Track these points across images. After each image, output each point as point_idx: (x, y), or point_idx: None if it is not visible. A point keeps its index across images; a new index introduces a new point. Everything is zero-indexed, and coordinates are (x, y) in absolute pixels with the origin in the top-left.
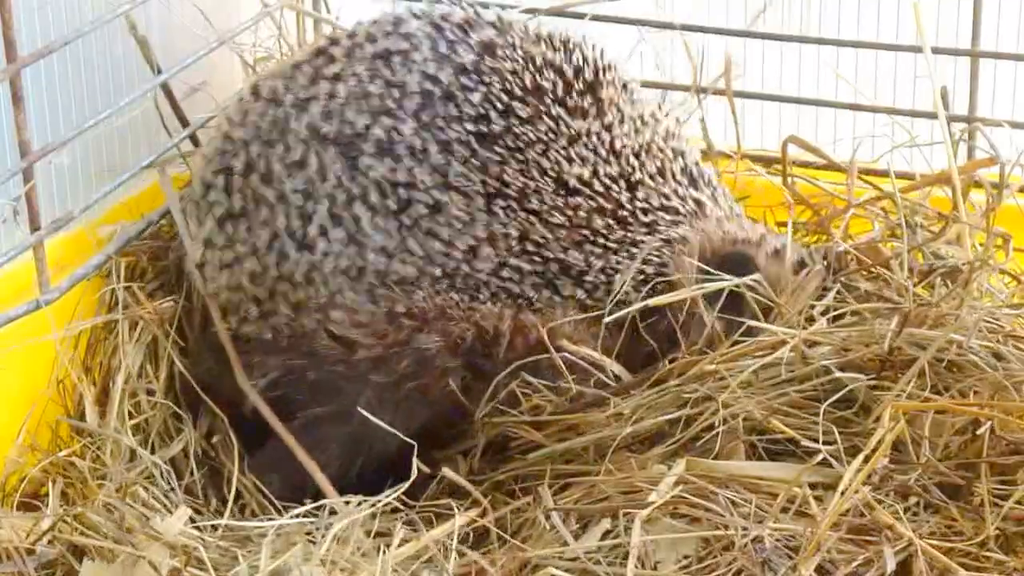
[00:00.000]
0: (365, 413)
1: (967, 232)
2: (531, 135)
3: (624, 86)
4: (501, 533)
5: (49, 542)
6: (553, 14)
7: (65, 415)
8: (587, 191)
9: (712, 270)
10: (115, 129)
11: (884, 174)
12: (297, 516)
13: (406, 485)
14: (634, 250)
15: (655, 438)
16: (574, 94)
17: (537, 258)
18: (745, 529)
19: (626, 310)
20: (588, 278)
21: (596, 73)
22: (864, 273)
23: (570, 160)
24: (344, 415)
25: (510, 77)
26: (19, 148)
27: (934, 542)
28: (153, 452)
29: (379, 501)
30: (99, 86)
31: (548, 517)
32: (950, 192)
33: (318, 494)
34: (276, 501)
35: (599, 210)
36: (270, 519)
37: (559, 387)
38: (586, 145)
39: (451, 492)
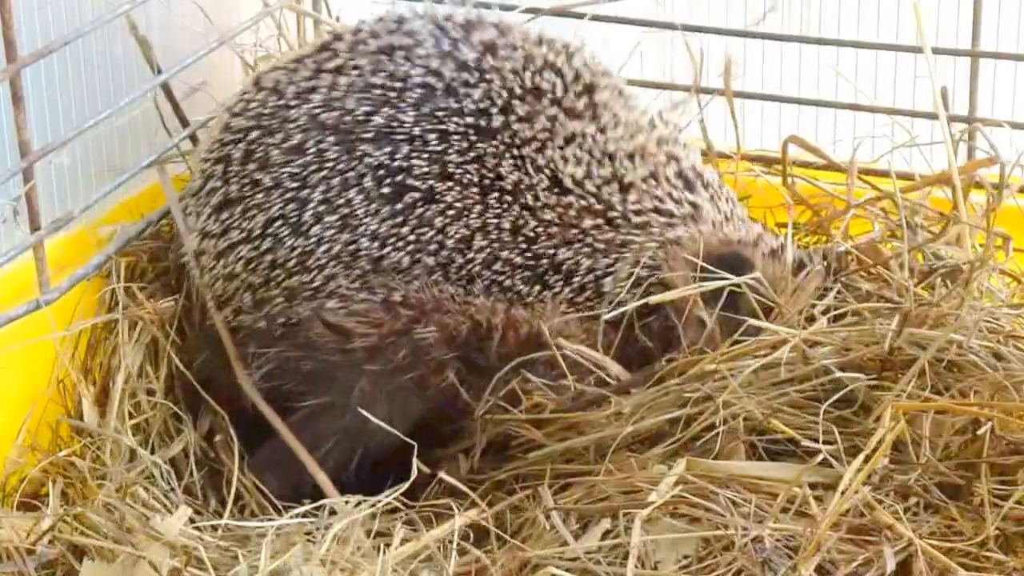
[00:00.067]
0: (362, 411)
1: (967, 232)
2: (528, 132)
3: (620, 92)
4: (501, 533)
5: (49, 542)
6: (554, 14)
7: (65, 415)
8: (579, 191)
9: (709, 270)
10: (115, 129)
11: (884, 174)
12: (297, 516)
13: (406, 485)
14: (624, 251)
15: (655, 438)
16: (571, 96)
17: (528, 253)
18: (745, 529)
19: (623, 308)
20: (576, 279)
21: (593, 77)
22: (864, 273)
23: (565, 159)
24: (341, 406)
25: (510, 76)
26: (19, 148)
27: (934, 542)
28: (153, 452)
29: (379, 501)
30: (99, 86)
31: (548, 517)
32: (950, 192)
33: (317, 493)
34: (276, 501)
35: (590, 210)
36: (270, 519)
37: (558, 385)
38: (580, 146)
39: (451, 492)
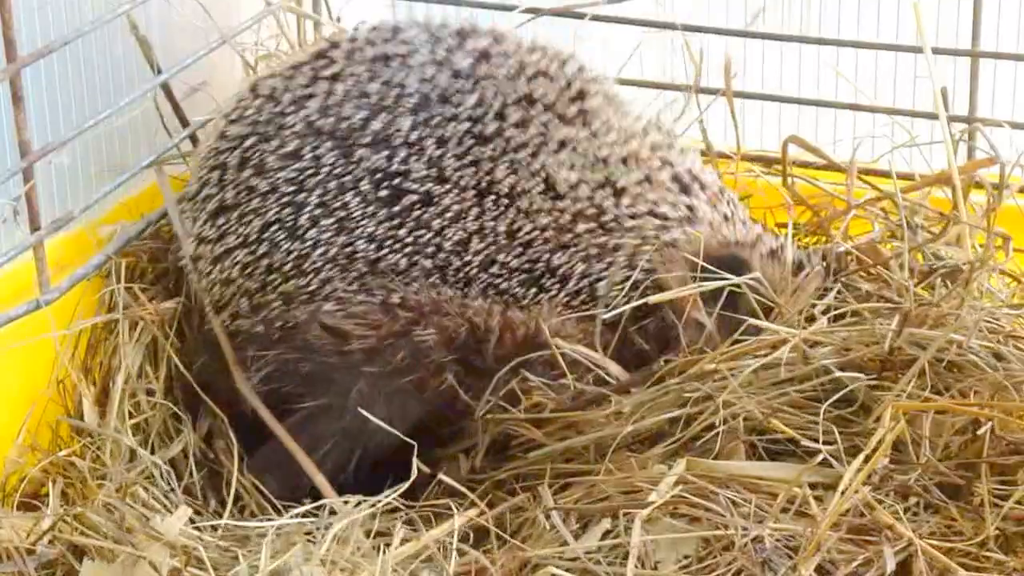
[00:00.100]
0: (362, 411)
1: (967, 232)
2: (521, 138)
3: (612, 98)
4: (501, 533)
5: (49, 542)
6: (554, 14)
7: (65, 415)
8: (572, 195)
9: (705, 271)
10: (115, 129)
11: (884, 174)
12: (297, 516)
13: (406, 485)
14: (618, 255)
15: (655, 437)
16: (563, 102)
17: (524, 257)
18: (745, 529)
19: (620, 308)
20: (571, 283)
21: (585, 84)
22: (863, 274)
23: (558, 165)
24: (340, 408)
25: (504, 83)
26: (19, 148)
27: (934, 542)
28: (153, 452)
29: (379, 501)
30: (99, 86)
31: (548, 517)
32: (950, 193)
33: (317, 494)
34: (275, 501)
35: (583, 215)
36: (269, 519)
37: (558, 385)
38: (573, 151)
39: (452, 492)
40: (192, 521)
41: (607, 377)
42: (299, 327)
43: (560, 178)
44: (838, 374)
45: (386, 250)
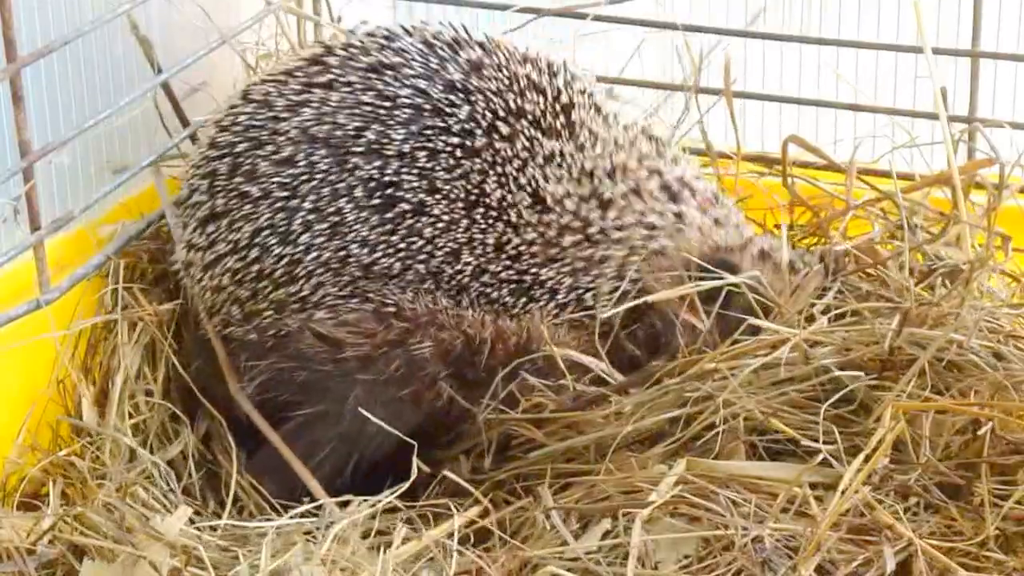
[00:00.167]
0: (363, 412)
1: (967, 232)
2: (509, 151)
3: (599, 109)
4: (501, 534)
5: (49, 542)
6: (555, 14)
7: (65, 415)
8: (559, 209)
9: (697, 276)
10: (115, 129)
11: (884, 175)
12: (297, 516)
13: (406, 485)
14: (604, 267)
15: (655, 437)
16: (549, 116)
17: (513, 269)
18: (745, 529)
19: (608, 312)
20: (560, 296)
21: (572, 96)
22: (863, 274)
23: (545, 178)
24: (335, 415)
25: (494, 97)
26: (19, 148)
27: (934, 542)
28: (152, 453)
29: (379, 501)
30: (99, 85)
31: (548, 517)
32: (948, 193)
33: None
34: (274, 501)
35: (570, 228)
36: (269, 519)
37: (556, 386)
38: (560, 165)
39: (452, 492)
40: (192, 521)
41: (607, 377)
42: (292, 336)
43: (547, 192)
44: (838, 373)
45: (379, 254)
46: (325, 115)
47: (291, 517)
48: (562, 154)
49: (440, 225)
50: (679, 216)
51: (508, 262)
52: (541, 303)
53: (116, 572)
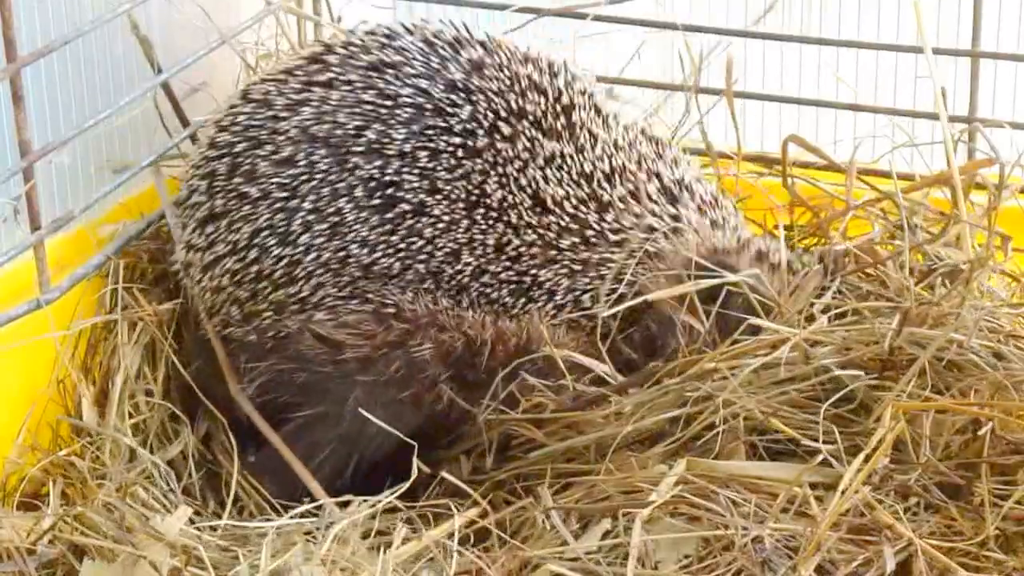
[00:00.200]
0: (363, 413)
1: (967, 232)
2: (510, 152)
3: (599, 111)
4: (501, 534)
5: (50, 542)
6: (556, 14)
7: (65, 415)
8: (559, 211)
9: (698, 276)
10: (115, 129)
11: (884, 175)
12: (297, 516)
13: (406, 486)
14: (601, 270)
15: (656, 437)
16: (549, 117)
17: (512, 270)
18: (745, 529)
19: (605, 312)
20: (558, 297)
21: (573, 96)
22: (862, 275)
23: (546, 179)
24: (336, 416)
25: (495, 98)
26: (19, 147)
27: (934, 542)
28: (152, 453)
29: (379, 501)
30: (99, 85)
31: (548, 517)
32: (948, 193)
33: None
34: (274, 501)
35: (568, 230)
36: (269, 520)
37: (556, 386)
38: (559, 167)
39: (452, 492)
40: (192, 521)
41: (607, 377)
42: (292, 337)
43: (547, 193)
44: (838, 372)
45: (379, 254)
46: (325, 114)
47: (291, 517)
48: (562, 156)
49: (440, 225)
50: (677, 219)
51: (508, 263)
52: (539, 304)
53: (116, 572)
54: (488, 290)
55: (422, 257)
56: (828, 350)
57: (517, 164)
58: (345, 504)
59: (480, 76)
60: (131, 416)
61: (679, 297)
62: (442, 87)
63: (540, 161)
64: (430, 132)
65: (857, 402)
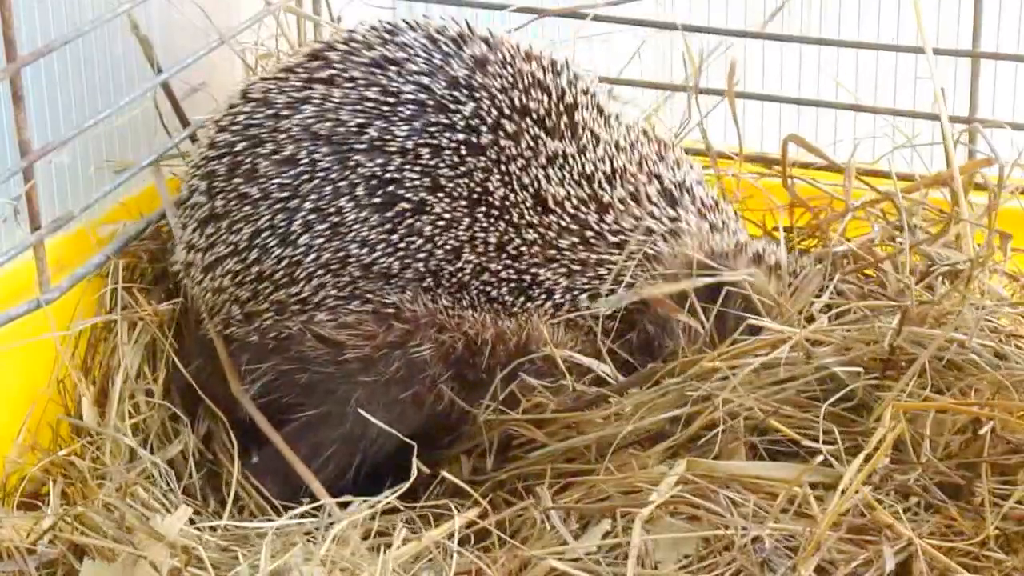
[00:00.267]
0: (363, 414)
1: (968, 231)
2: (514, 150)
3: (602, 111)
4: (500, 534)
5: (50, 541)
6: (556, 14)
7: (65, 415)
8: (559, 211)
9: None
10: (115, 129)
11: (884, 175)
12: (297, 516)
13: (406, 486)
14: (600, 270)
15: (656, 437)
16: (553, 115)
17: (512, 270)
18: (745, 529)
19: (612, 308)
20: (556, 296)
21: (576, 96)
22: (861, 275)
23: (548, 179)
24: (338, 416)
25: (499, 94)
26: (19, 147)
27: (934, 542)
28: (152, 453)
29: (379, 501)
30: (99, 85)
31: (548, 517)
32: (947, 194)
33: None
34: (275, 501)
35: (568, 230)
36: (269, 520)
37: (556, 386)
38: (561, 166)
39: (452, 492)
40: (192, 521)
41: (607, 377)
42: (293, 338)
43: (549, 193)
44: (838, 370)
45: (378, 253)
46: (327, 111)
47: (291, 517)
48: (564, 155)
49: (441, 223)
50: (676, 221)
51: (508, 261)
52: (538, 303)
53: (116, 572)
54: (488, 288)
55: (421, 255)
56: (828, 350)
57: (520, 162)
58: (345, 504)
59: (483, 73)
60: (131, 416)
61: (677, 299)
62: (445, 84)
63: (542, 160)
64: (433, 129)
65: (857, 402)
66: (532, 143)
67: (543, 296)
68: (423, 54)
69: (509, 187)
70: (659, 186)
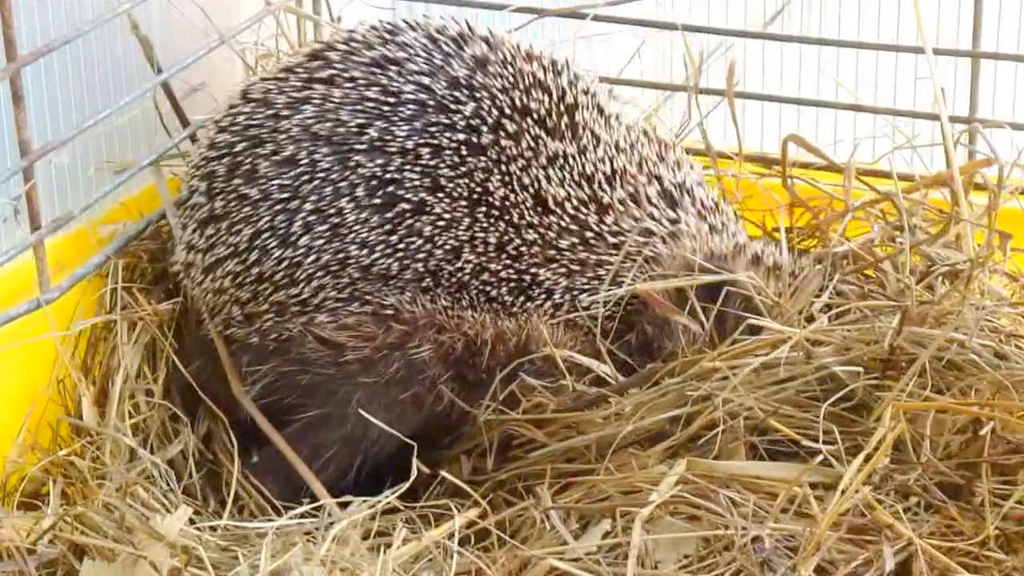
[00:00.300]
0: (364, 414)
1: (968, 231)
2: (514, 150)
3: (603, 111)
4: (500, 534)
5: (50, 541)
6: (556, 14)
7: (65, 415)
8: (559, 211)
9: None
10: (115, 129)
11: (884, 175)
12: (297, 516)
13: (406, 486)
14: (600, 271)
15: (656, 437)
16: (554, 115)
17: (511, 270)
18: (745, 529)
19: (603, 310)
20: (556, 296)
21: (576, 96)
22: (860, 276)
23: (548, 179)
24: (339, 417)
25: (499, 95)
26: (19, 147)
27: (934, 542)
28: (152, 453)
29: (379, 501)
30: (99, 85)
31: (548, 517)
32: (947, 194)
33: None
34: (275, 501)
35: (568, 231)
36: (269, 520)
37: (556, 386)
38: (561, 167)
39: (452, 492)
40: (192, 521)
41: (607, 377)
42: (293, 340)
43: (549, 193)
44: (838, 370)
45: (378, 254)
46: (328, 112)
47: (291, 517)
48: (564, 156)
49: (441, 223)
50: (675, 223)
51: (508, 261)
52: (537, 302)
53: (116, 572)
54: (488, 288)
55: (421, 256)
56: (828, 350)
57: (520, 163)
58: (345, 504)
59: (484, 73)
60: (131, 416)
61: (676, 300)
62: (445, 84)
63: (543, 160)
64: (433, 129)
65: (857, 402)
66: (532, 143)
67: (543, 296)
68: (423, 54)
69: (509, 187)
70: (659, 187)
